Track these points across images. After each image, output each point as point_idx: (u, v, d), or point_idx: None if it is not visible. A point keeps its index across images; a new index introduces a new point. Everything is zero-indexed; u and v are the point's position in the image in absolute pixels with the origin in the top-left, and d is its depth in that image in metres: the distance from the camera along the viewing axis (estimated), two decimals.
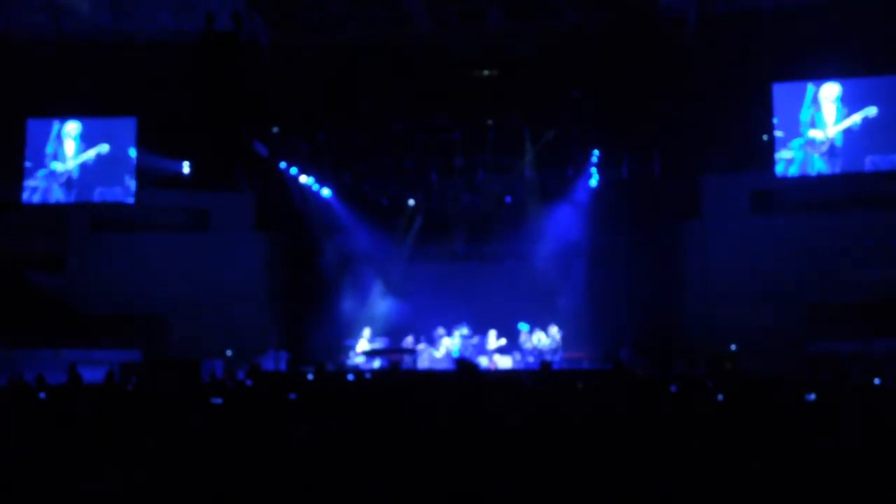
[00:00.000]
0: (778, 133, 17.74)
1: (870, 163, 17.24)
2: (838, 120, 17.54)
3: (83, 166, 18.91)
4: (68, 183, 18.95)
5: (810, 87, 17.62)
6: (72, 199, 19.10)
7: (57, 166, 18.93)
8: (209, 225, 20.32)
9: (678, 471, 4.57)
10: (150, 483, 4.64)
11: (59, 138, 19.03)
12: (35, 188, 18.94)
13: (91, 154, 18.86)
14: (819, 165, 17.56)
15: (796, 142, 17.61)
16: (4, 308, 17.82)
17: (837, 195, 17.92)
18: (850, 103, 17.44)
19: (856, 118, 17.27)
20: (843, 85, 17.43)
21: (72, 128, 19.03)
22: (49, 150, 18.97)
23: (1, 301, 18.08)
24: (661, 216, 18.87)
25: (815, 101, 17.67)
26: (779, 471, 4.52)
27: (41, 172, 18.92)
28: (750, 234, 18.41)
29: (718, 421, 5.96)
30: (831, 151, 17.51)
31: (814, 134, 17.59)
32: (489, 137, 18.31)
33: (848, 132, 17.37)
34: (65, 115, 18.93)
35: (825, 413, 6.33)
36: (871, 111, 17.24)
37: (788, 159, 17.70)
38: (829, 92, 17.60)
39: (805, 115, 17.65)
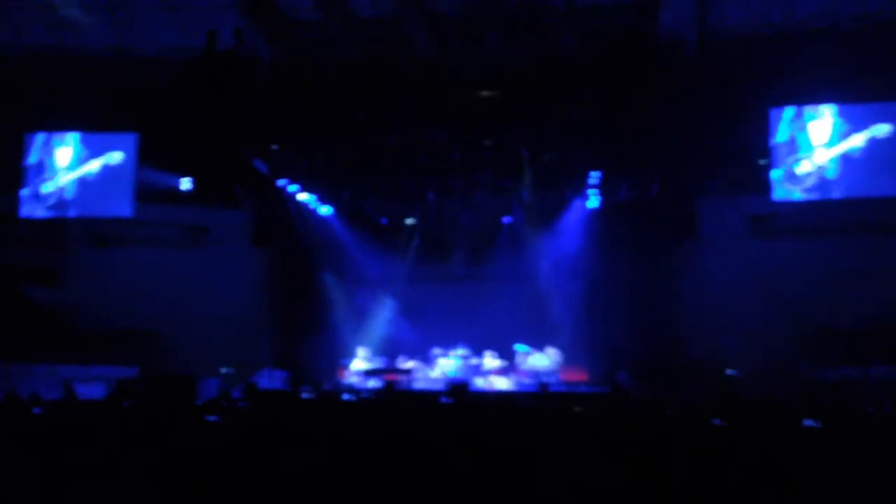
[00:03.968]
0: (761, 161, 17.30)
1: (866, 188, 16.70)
2: (834, 141, 16.94)
3: (82, 183, 18.84)
4: (59, 205, 18.79)
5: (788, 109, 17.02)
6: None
7: (46, 186, 18.77)
8: (207, 241, 20.32)
9: (675, 496, 4.56)
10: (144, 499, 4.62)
11: (47, 146, 18.92)
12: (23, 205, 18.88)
13: (96, 166, 18.75)
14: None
15: (774, 173, 17.06)
16: (0, 321, 17.76)
17: (836, 220, 17.91)
18: (850, 121, 16.74)
19: (858, 140, 16.54)
20: (842, 108, 16.93)
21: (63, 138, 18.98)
22: (33, 159, 18.82)
23: None
24: (658, 238, 18.88)
25: (800, 116, 17.01)
26: (776, 497, 4.51)
27: (25, 192, 18.80)
28: (748, 258, 18.41)
29: (715, 445, 5.94)
30: (822, 186, 16.72)
31: (795, 162, 16.95)
32: (487, 158, 18.36)
33: (847, 160, 16.72)
34: (64, 129, 18.94)
35: (823, 439, 6.32)
36: (882, 129, 16.26)
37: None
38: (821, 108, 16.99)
39: (782, 135, 17.06)
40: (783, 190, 17.09)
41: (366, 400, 11.42)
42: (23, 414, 8.77)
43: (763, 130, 17.27)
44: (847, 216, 17.76)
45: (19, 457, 5.60)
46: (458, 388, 8.92)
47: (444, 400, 9.37)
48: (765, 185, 17.49)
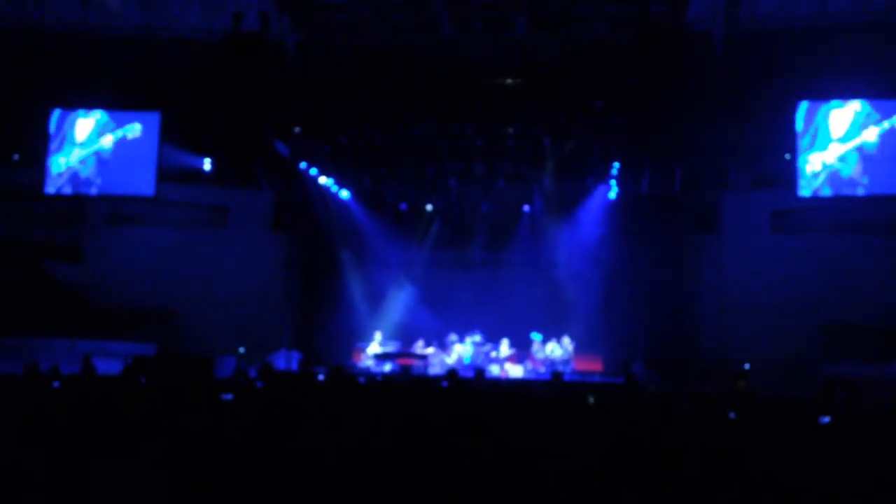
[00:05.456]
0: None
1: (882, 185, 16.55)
2: (852, 135, 16.72)
3: (100, 160, 18.93)
4: (79, 182, 18.92)
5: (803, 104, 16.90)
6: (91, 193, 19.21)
7: (63, 163, 18.89)
8: (228, 222, 20.45)
9: (685, 489, 4.55)
10: (158, 476, 4.67)
11: (68, 122, 19.01)
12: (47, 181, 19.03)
13: (109, 141, 18.82)
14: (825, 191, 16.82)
15: (799, 167, 16.90)
16: (23, 297, 17.96)
17: (858, 217, 17.72)
18: (880, 115, 16.52)
19: (871, 134, 16.35)
20: (872, 103, 16.74)
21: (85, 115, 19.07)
22: (55, 135, 18.84)
23: (19, 290, 18.23)
24: (679, 231, 18.80)
25: (822, 111, 16.84)
26: (791, 492, 4.48)
27: (48, 168, 18.91)
28: (769, 254, 18.28)
29: (729, 439, 5.92)
30: (835, 185, 16.62)
31: (811, 161, 16.79)
32: (510, 145, 18.32)
33: (866, 157, 16.50)
34: (88, 107, 19.07)
35: (838, 435, 6.28)
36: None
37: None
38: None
39: (803, 129, 16.87)
40: (805, 186, 16.97)
41: (377, 384, 11.47)
42: (42, 387, 8.89)
43: (789, 125, 17.10)
44: (870, 214, 17.57)
45: (38, 430, 5.66)
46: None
47: (445, 384, 9.41)
48: (789, 181, 17.35)
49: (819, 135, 16.83)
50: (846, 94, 16.90)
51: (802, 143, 16.91)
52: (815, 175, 16.76)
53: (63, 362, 11.40)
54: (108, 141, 18.86)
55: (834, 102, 16.85)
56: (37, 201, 19.45)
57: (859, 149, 16.59)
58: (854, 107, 16.72)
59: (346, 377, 9.35)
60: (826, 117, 16.84)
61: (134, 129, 18.78)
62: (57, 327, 17.36)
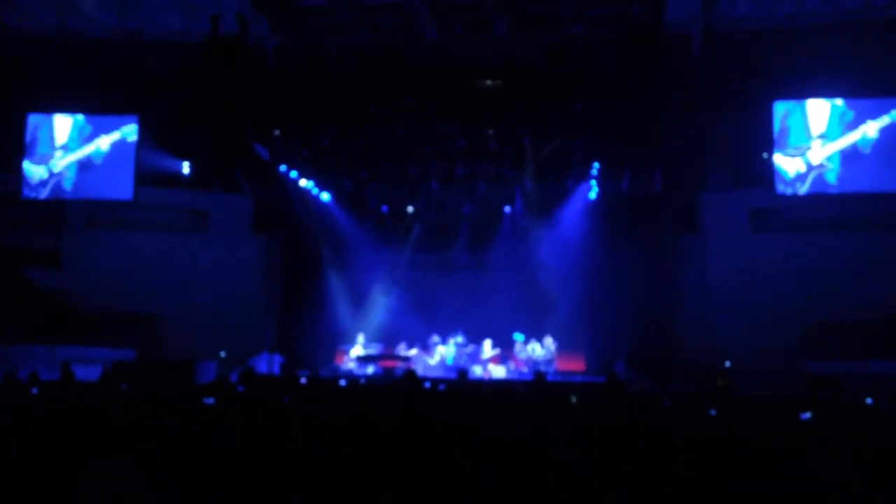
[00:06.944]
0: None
1: (874, 185, 16.58)
2: (834, 133, 16.72)
3: (84, 164, 18.73)
4: (60, 187, 18.72)
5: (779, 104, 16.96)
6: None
7: (45, 168, 18.71)
8: (207, 226, 20.31)
9: (672, 486, 4.56)
10: (139, 482, 4.63)
11: (47, 127, 18.78)
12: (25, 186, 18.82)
13: (106, 144, 18.62)
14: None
15: (777, 167, 16.91)
16: (1, 303, 17.78)
17: (838, 215, 17.84)
18: (857, 114, 16.54)
19: (867, 130, 16.30)
20: (848, 102, 16.80)
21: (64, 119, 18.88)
22: (33, 140, 18.61)
23: None
24: (660, 231, 18.87)
25: (799, 109, 16.81)
26: (773, 487, 4.50)
27: (26, 173, 18.66)
28: (749, 252, 18.37)
29: (710, 437, 5.95)
30: (819, 184, 16.56)
31: (783, 163, 16.75)
32: (491, 147, 18.35)
33: (855, 154, 16.56)
34: (66, 111, 18.91)
35: (819, 431, 6.32)
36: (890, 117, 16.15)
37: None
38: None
39: (780, 128, 16.83)
40: (784, 185, 17.05)
41: (359, 386, 11.45)
42: (20, 394, 8.80)
43: (767, 124, 17.21)
44: (849, 211, 17.70)
45: (15, 437, 5.60)
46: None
47: (441, 388, 9.43)
48: (768, 179, 17.46)
49: (797, 133, 16.92)
50: (823, 94, 17.02)
51: (780, 141, 17.01)
52: (801, 176, 16.82)
53: (42, 369, 11.29)
54: (104, 143, 18.64)
55: (810, 101, 16.96)
56: (14, 206, 19.25)
57: (852, 147, 16.59)
58: (830, 105, 16.83)
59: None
60: (804, 116, 16.94)
61: (132, 132, 18.59)
62: (36, 333, 17.20)
